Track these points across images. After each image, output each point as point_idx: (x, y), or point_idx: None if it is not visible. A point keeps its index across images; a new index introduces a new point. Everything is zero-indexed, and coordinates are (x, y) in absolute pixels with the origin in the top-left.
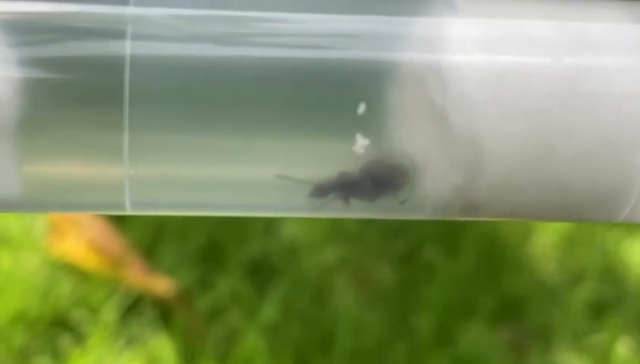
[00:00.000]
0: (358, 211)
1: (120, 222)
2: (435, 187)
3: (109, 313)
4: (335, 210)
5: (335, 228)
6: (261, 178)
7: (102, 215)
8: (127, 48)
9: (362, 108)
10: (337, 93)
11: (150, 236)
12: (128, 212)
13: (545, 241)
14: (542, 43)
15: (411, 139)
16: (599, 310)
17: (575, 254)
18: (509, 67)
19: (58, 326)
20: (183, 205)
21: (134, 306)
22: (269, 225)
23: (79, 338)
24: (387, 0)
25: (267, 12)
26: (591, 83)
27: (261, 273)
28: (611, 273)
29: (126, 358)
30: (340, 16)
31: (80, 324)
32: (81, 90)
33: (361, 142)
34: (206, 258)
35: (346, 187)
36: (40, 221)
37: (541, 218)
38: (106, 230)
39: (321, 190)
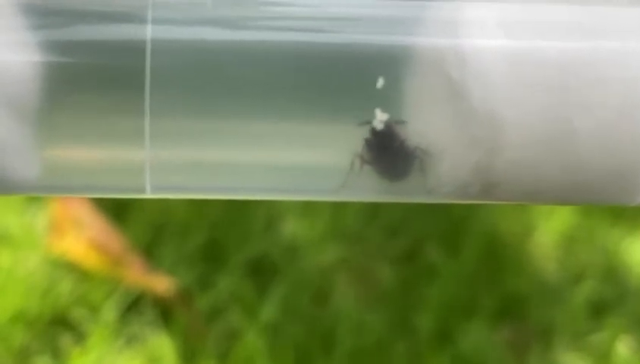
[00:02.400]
0: (379, 193)
1: (120, 221)
2: (454, 165)
3: (109, 312)
4: (357, 191)
5: (336, 227)
6: (284, 161)
7: (102, 214)
8: (148, 32)
9: (380, 83)
10: (356, 76)
11: (150, 236)
12: (148, 196)
13: (546, 241)
14: (560, 25)
15: (429, 117)
16: (600, 309)
17: (576, 253)
18: (526, 48)
19: (58, 325)
20: (203, 189)
21: (134, 305)
22: (270, 224)
23: (79, 337)
24: None
25: None
26: (609, 64)
27: (262, 272)
28: (612, 272)
29: (126, 357)
30: (361, 0)
31: (80, 323)
32: (102, 74)
33: (380, 117)
34: (206, 258)
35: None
36: (41, 220)
37: (558, 199)
38: (106, 229)
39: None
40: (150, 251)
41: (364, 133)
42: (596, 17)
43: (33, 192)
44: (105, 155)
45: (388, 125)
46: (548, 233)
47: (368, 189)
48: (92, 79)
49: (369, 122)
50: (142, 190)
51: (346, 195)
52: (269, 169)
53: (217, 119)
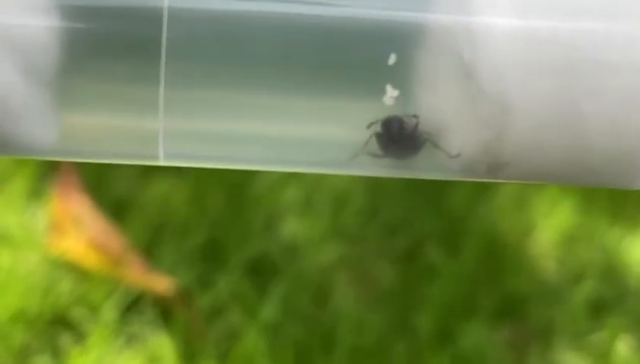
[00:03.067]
0: (387, 167)
1: (120, 221)
2: (462, 143)
3: (109, 312)
4: (365, 166)
5: (335, 227)
6: (295, 133)
7: (102, 214)
8: (165, 0)
9: (392, 59)
10: (368, 51)
11: (150, 235)
12: (161, 163)
13: (546, 240)
14: (570, 7)
15: (439, 94)
16: (599, 309)
17: (576, 253)
18: (537, 29)
19: (58, 324)
20: (215, 158)
21: (134, 305)
22: (269, 224)
23: (79, 337)
24: None
25: None
26: (618, 47)
27: (262, 272)
28: (612, 272)
29: (126, 356)
30: None
31: (80, 322)
32: (118, 41)
33: (391, 93)
34: (206, 257)
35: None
36: (41, 220)
37: (564, 180)
38: (106, 228)
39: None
40: (150, 251)
41: (375, 109)
42: (608, 0)
43: (49, 156)
44: (119, 122)
45: (398, 115)
46: (548, 232)
47: (378, 164)
48: (109, 46)
49: (376, 121)
50: (156, 157)
51: (355, 169)
52: (280, 141)
53: (230, 90)
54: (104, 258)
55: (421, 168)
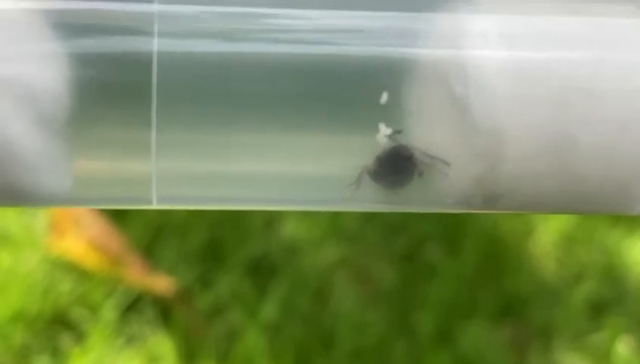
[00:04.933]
0: (381, 203)
1: (120, 221)
2: (456, 177)
3: (109, 312)
4: (360, 203)
5: (335, 227)
6: (288, 172)
7: (102, 214)
8: (155, 45)
9: (384, 98)
10: (359, 88)
11: (150, 235)
12: (155, 207)
13: (546, 240)
14: (560, 37)
15: (432, 130)
16: (599, 309)
17: (576, 253)
18: (528, 61)
19: (58, 324)
20: (209, 200)
21: (134, 305)
22: (269, 224)
23: (79, 337)
24: None
25: (292, 9)
26: (610, 76)
27: (262, 272)
28: (612, 272)
29: (126, 356)
30: (363, 12)
31: (80, 322)
32: (109, 87)
33: (384, 132)
34: (206, 257)
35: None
36: (41, 220)
37: (560, 209)
38: (106, 228)
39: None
40: (150, 250)
41: (368, 145)
42: (598, 29)
43: (62, 205)
44: (113, 167)
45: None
46: (548, 233)
47: (372, 200)
48: (101, 92)
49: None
50: (149, 201)
51: (350, 206)
52: (273, 181)
53: (222, 131)
54: (104, 259)
55: (416, 202)
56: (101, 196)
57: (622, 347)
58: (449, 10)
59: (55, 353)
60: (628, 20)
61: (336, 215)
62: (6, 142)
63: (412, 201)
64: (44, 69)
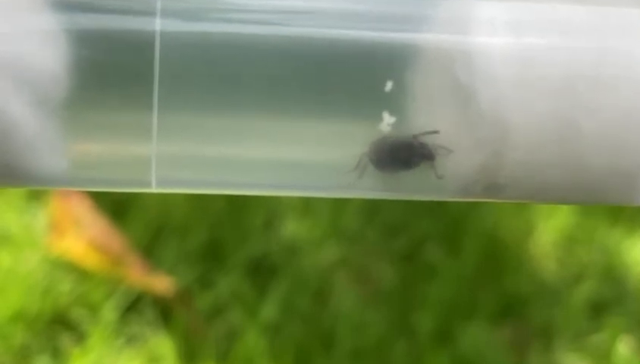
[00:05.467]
0: (382, 190)
1: (120, 221)
2: (460, 166)
3: (109, 312)
4: (361, 190)
5: (335, 227)
6: (289, 157)
7: (103, 214)
8: (157, 25)
9: (389, 86)
10: (364, 73)
11: (150, 235)
12: (154, 190)
13: (546, 240)
14: (566, 26)
15: (437, 117)
16: (600, 309)
17: (576, 253)
18: (534, 48)
19: (58, 324)
20: (209, 184)
21: (134, 305)
22: (269, 224)
23: (79, 337)
24: None
25: None
26: (616, 65)
27: (262, 272)
28: (612, 272)
29: (126, 357)
30: None
31: (80, 322)
32: (111, 68)
33: (388, 120)
34: (206, 257)
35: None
36: (41, 220)
37: (564, 200)
38: (106, 228)
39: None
40: (150, 250)
41: (370, 132)
42: (604, 18)
43: (59, 186)
44: (112, 149)
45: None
46: (548, 233)
47: (373, 187)
48: (101, 73)
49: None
50: (148, 184)
51: (351, 193)
52: (274, 165)
53: (223, 114)
54: (104, 259)
55: (416, 190)
56: (100, 178)
57: (623, 347)
58: None
59: (55, 353)
60: (634, 9)
61: (336, 215)
62: (3, 121)
63: (413, 189)
64: (44, 48)
